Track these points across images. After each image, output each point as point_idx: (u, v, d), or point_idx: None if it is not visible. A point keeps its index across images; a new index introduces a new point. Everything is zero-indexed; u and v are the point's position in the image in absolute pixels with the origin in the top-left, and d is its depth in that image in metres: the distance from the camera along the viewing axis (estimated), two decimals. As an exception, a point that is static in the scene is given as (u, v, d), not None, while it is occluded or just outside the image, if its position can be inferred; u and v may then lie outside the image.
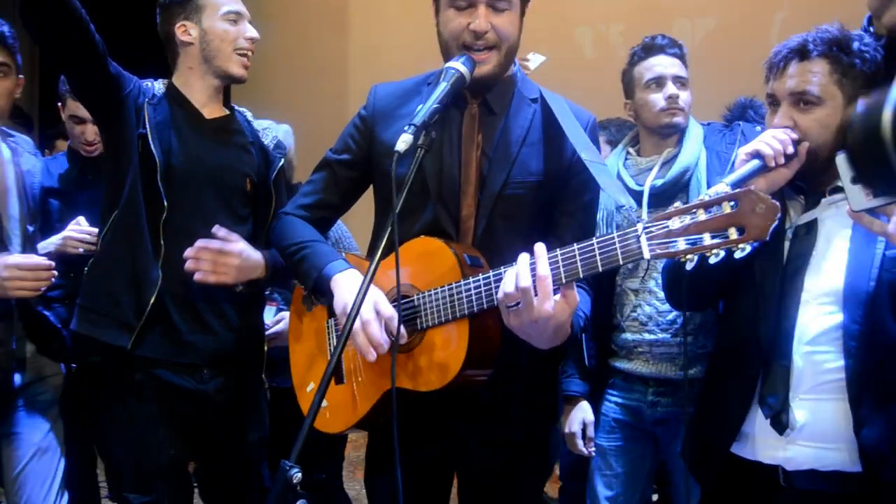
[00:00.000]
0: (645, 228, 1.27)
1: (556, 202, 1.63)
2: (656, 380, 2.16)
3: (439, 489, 1.73)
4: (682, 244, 1.25)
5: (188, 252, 1.91)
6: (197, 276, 1.91)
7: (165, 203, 1.94)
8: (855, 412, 1.49)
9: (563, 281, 1.34)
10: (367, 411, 1.61)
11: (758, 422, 1.59)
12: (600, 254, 1.31)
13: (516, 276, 1.34)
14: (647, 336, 2.16)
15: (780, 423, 1.54)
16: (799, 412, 1.54)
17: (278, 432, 2.20)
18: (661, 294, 2.10)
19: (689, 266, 1.26)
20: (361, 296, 1.30)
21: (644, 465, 2.27)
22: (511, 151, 1.60)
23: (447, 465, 1.72)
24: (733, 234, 1.23)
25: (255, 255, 2.00)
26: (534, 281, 1.33)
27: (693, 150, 2.18)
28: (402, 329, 1.47)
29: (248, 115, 2.23)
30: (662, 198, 2.12)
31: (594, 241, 1.32)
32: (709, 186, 2.10)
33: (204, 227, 1.96)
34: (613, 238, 1.30)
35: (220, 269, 1.92)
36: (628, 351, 2.19)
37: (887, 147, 0.77)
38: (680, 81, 2.20)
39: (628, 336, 2.18)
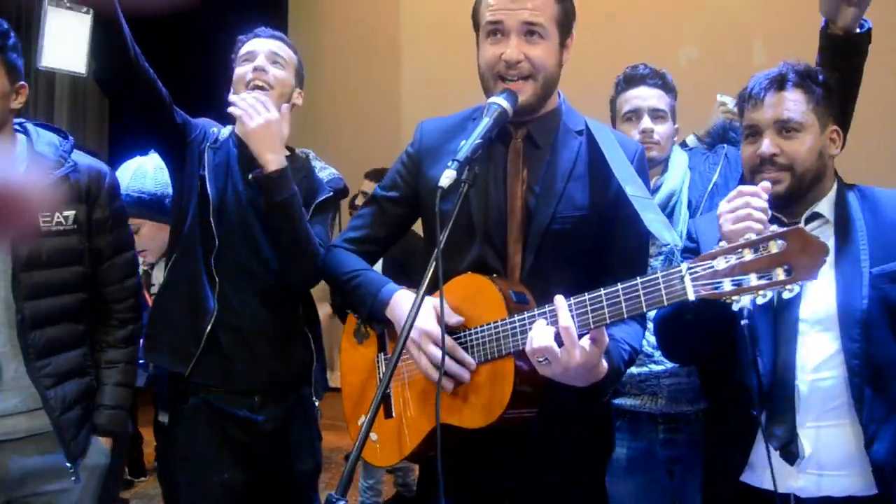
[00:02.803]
0: (689, 269, 1.27)
1: (605, 235, 1.62)
2: (667, 416, 2.06)
3: None
4: (727, 285, 1.24)
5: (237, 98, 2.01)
6: (231, 107, 2.02)
7: (217, 240, 2.06)
8: (864, 430, 1.52)
9: (608, 322, 1.34)
10: (415, 445, 1.63)
11: (766, 455, 1.57)
12: (645, 295, 1.30)
13: (537, 336, 1.36)
14: (654, 368, 2.06)
15: (790, 452, 1.57)
16: (807, 441, 1.56)
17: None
18: None
19: (735, 307, 1.25)
20: (411, 321, 1.33)
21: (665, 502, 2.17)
22: (557, 186, 1.60)
23: (498, 499, 1.71)
24: (780, 274, 1.21)
25: (283, 148, 2.06)
26: (558, 332, 1.35)
27: (677, 176, 2.15)
28: (469, 359, 1.51)
29: (311, 154, 2.33)
30: None
31: (638, 281, 1.31)
32: (690, 204, 2.10)
33: (255, 260, 2.08)
34: (658, 278, 1.29)
35: (254, 110, 2.01)
36: (633, 386, 2.08)
37: None
38: (657, 114, 2.16)
39: (632, 370, 2.07)
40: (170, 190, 2.45)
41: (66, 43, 1.71)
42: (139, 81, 1.92)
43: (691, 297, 1.26)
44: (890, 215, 1.63)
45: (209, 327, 2.03)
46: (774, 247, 1.23)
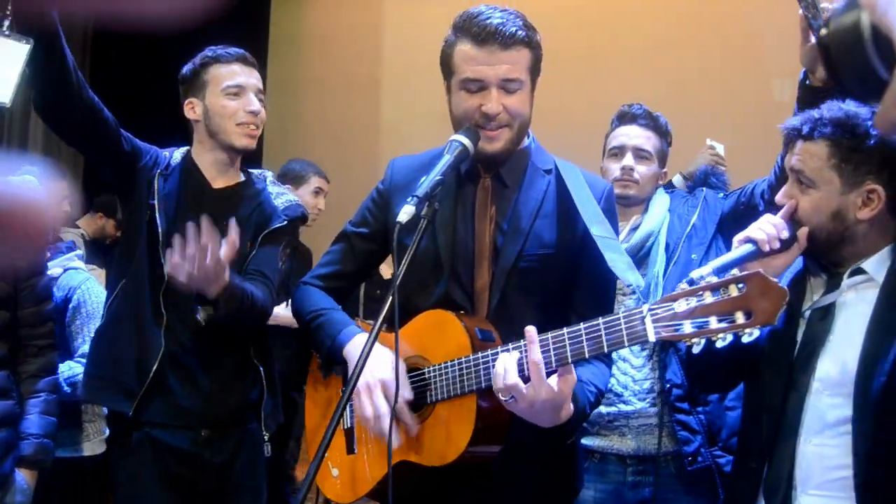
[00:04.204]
0: (651, 310, 1.27)
1: (572, 273, 1.62)
2: (636, 457, 2.05)
3: None
4: (688, 327, 1.25)
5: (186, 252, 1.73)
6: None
7: (166, 273, 1.93)
8: None
9: (570, 361, 1.34)
10: (376, 482, 1.61)
11: None
12: (606, 335, 1.31)
13: (504, 372, 1.35)
14: (623, 408, 2.05)
15: None
16: None
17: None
18: (636, 361, 2.05)
19: (695, 350, 1.26)
20: (360, 365, 1.32)
21: None
22: (524, 224, 1.61)
23: None
24: (740, 318, 1.22)
25: (224, 273, 1.82)
26: (527, 367, 1.34)
27: (657, 217, 2.16)
28: (403, 400, 1.49)
29: (269, 176, 2.25)
30: None
31: (600, 321, 1.32)
32: (667, 247, 2.10)
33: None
34: (619, 319, 1.30)
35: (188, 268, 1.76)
36: (601, 427, 2.07)
37: (867, 46, 0.75)
38: (641, 154, 2.17)
39: (601, 409, 2.03)
40: None
41: None
42: (81, 109, 1.84)
43: (651, 338, 1.26)
44: None
45: (156, 365, 1.96)
46: (734, 290, 1.24)
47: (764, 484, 1.53)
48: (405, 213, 1.39)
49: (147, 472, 2.00)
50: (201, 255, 1.73)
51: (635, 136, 2.19)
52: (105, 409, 2.64)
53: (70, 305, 2.52)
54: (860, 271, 1.51)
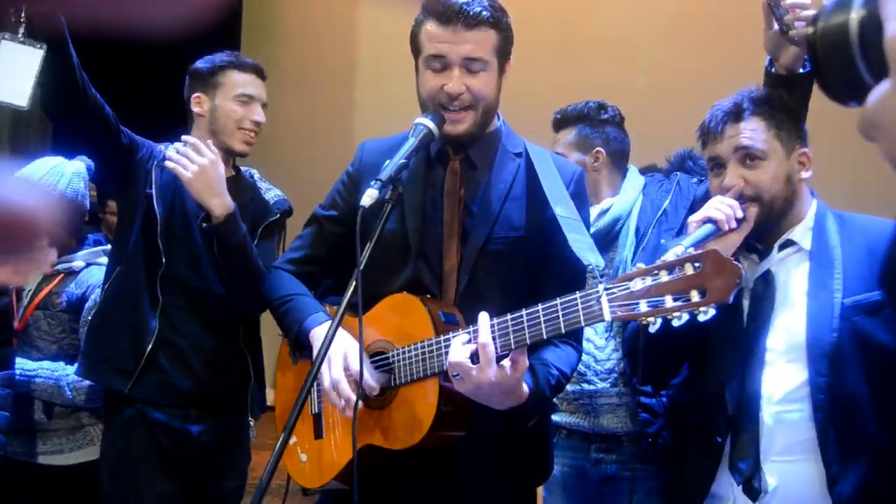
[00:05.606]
0: (606, 289, 1.28)
1: (542, 258, 1.63)
2: (599, 435, 2.07)
3: None
4: (643, 306, 1.26)
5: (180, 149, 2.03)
6: (166, 162, 2.04)
7: (164, 259, 2.08)
8: (827, 468, 1.48)
9: (528, 342, 1.35)
10: (343, 466, 1.61)
11: (731, 486, 1.57)
12: (563, 315, 1.32)
13: (452, 351, 1.38)
14: (586, 387, 2.07)
15: (752, 488, 1.53)
16: (771, 475, 1.52)
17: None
18: (599, 341, 2.07)
19: (652, 329, 1.27)
20: (323, 352, 1.35)
21: None
22: (494, 206, 1.61)
23: None
24: (695, 296, 1.23)
25: (224, 189, 2.03)
26: (476, 349, 1.36)
27: (626, 200, 2.16)
28: (372, 383, 1.50)
29: (256, 174, 2.37)
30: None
31: (558, 302, 1.33)
32: (637, 231, 2.11)
33: (198, 279, 2.11)
34: (576, 299, 1.31)
35: (187, 159, 2.01)
36: (568, 403, 2.10)
37: (853, 49, 0.77)
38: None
39: (568, 387, 2.03)
40: (82, 201, 2.47)
41: (12, 76, 1.70)
42: (87, 108, 1.94)
43: (607, 317, 1.27)
44: (866, 243, 1.57)
45: (150, 346, 2.06)
46: (690, 269, 1.25)
47: (730, 457, 1.57)
48: (368, 196, 1.40)
49: (137, 447, 2.08)
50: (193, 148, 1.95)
51: (554, 143, 2.22)
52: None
53: (86, 305, 2.38)
54: (789, 243, 1.62)
